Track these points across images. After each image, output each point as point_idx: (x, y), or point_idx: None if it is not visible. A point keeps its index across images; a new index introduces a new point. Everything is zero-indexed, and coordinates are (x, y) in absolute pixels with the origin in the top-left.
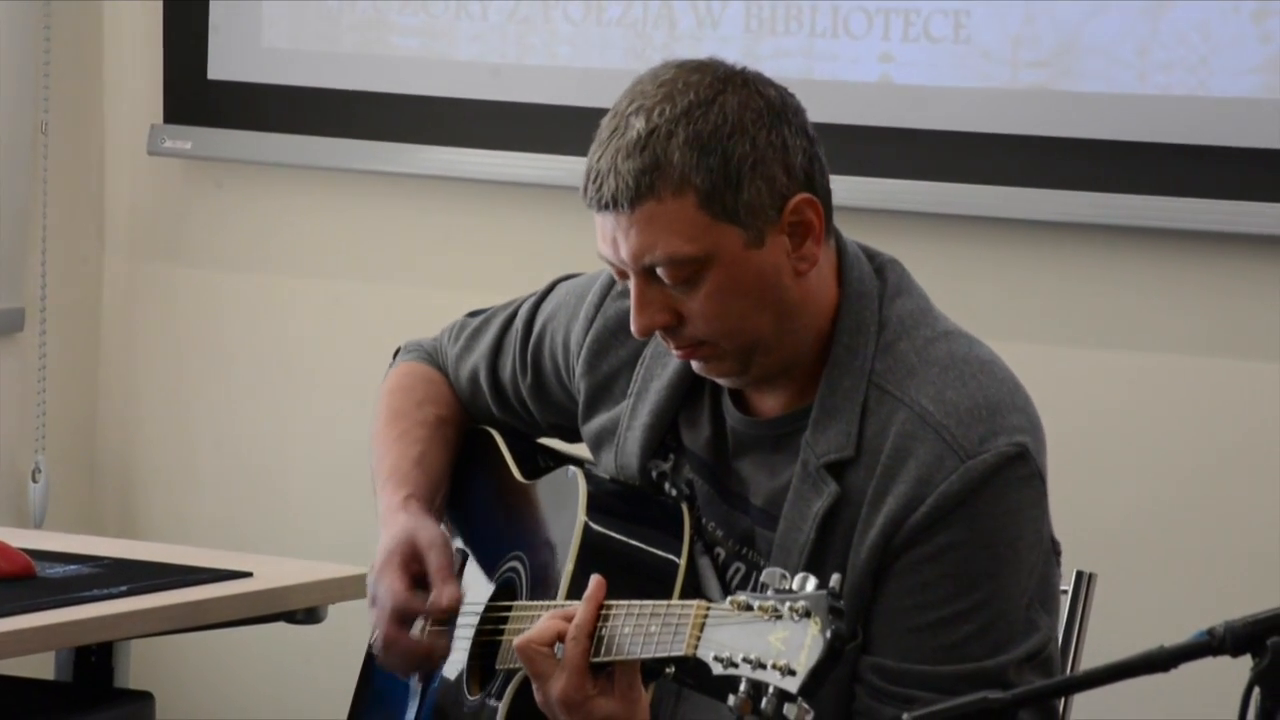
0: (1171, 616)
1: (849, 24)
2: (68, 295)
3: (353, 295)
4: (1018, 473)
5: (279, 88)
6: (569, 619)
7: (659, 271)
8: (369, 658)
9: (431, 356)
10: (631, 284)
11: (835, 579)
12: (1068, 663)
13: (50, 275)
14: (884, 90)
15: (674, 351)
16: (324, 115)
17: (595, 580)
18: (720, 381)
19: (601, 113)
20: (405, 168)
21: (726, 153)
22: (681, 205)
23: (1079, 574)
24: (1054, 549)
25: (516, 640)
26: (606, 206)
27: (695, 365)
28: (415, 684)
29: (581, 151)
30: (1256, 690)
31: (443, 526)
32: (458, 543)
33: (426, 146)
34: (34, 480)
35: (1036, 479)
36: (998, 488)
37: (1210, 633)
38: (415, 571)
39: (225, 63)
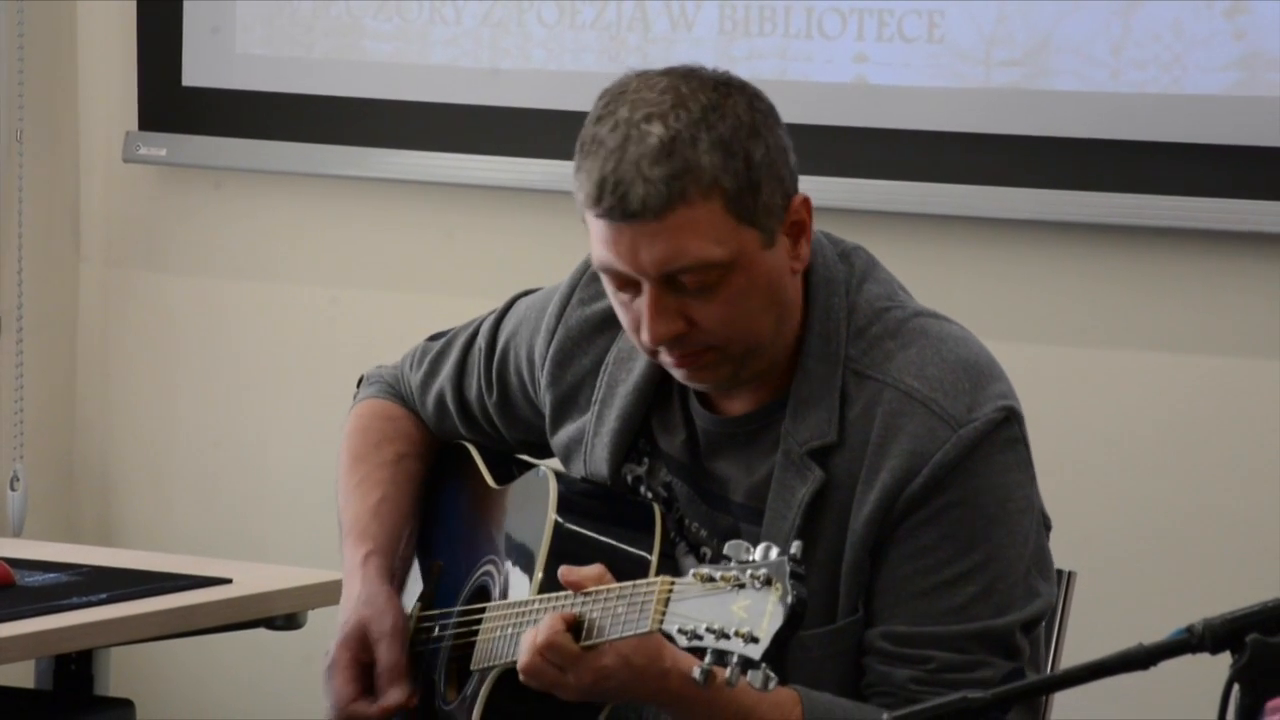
0: (1151, 614)
1: (823, 25)
2: (44, 303)
3: (329, 301)
4: (1002, 435)
5: (254, 94)
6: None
7: (682, 278)
8: None
9: (393, 387)
10: (646, 295)
11: (796, 545)
12: (1048, 661)
13: (26, 283)
14: (859, 91)
15: (671, 360)
16: (299, 121)
17: (562, 577)
18: (703, 387)
19: (578, 116)
20: (380, 172)
21: (748, 154)
22: (710, 209)
23: (1059, 572)
24: (1045, 521)
25: (520, 665)
26: (632, 215)
27: (684, 373)
28: None
29: (558, 155)
30: (1236, 687)
31: (414, 565)
32: (432, 558)
33: (401, 151)
34: (12, 488)
35: (1020, 444)
36: (985, 451)
37: (1189, 630)
38: (366, 662)
39: (200, 69)
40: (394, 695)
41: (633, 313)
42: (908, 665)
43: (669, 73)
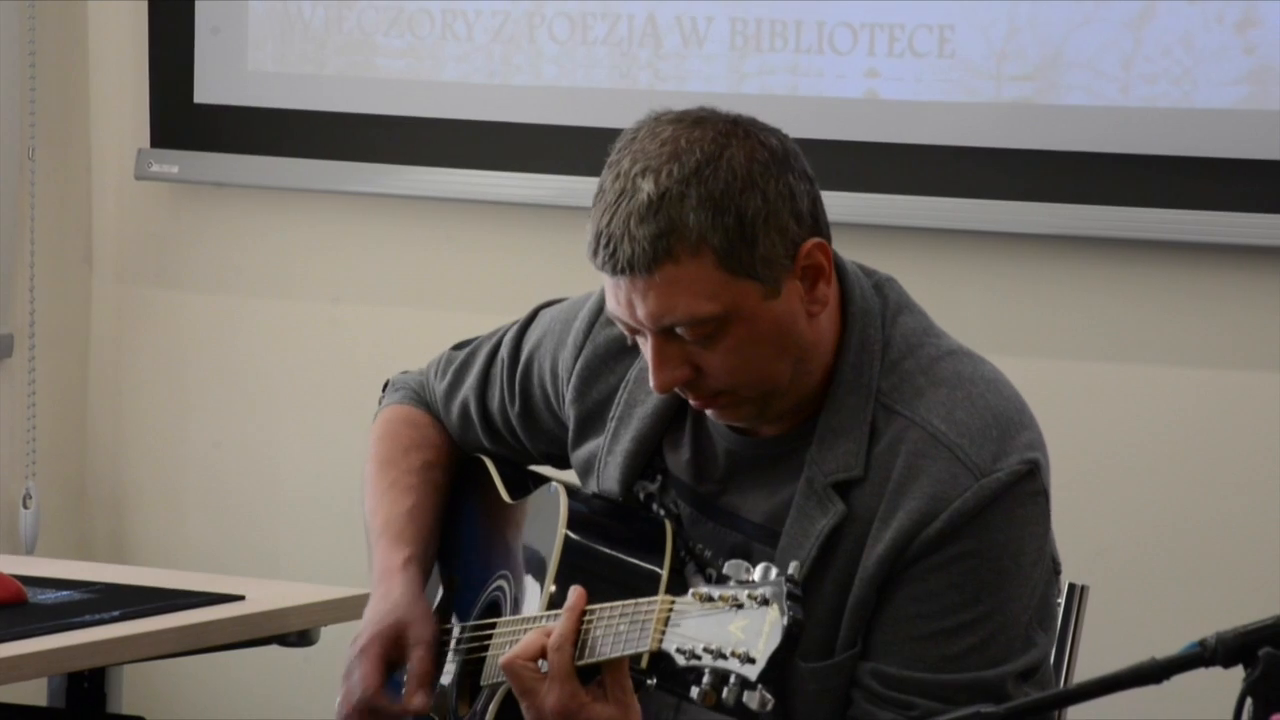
0: (1163, 628)
1: (834, 40)
2: (56, 321)
3: (342, 317)
4: (1026, 489)
5: (265, 111)
6: (550, 634)
7: (679, 330)
8: None
9: (418, 394)
10: (649, 343)
11: (794, 566)
12: (1060, 675)
13: (39, 301)
14: (870, 106)
15: (692, 402)
16: (310, 138)
17: (576, 591)
18: (734, 424)
19: (589, 131)
20: (392, 189)
21: (740, 209)
22: (699, 266)
23: (1071, 586)
24: (1055, 568)
25: (501, 659)
26: (622, 271)
27: (711, 412)
28: None
29: (569, 170)
30: (1249, 701)
31: (433, 575)
32: (445, 572)
33: (413, 167)
34: (25, 506)
35: (1042, 497)
36: (1007, 504)
37: (1202, 644)
38: (395, 659)
39: (211, 86)
40: (418, 700)
41: (648, 353)
42: (891, 708)
43: (680, 119)
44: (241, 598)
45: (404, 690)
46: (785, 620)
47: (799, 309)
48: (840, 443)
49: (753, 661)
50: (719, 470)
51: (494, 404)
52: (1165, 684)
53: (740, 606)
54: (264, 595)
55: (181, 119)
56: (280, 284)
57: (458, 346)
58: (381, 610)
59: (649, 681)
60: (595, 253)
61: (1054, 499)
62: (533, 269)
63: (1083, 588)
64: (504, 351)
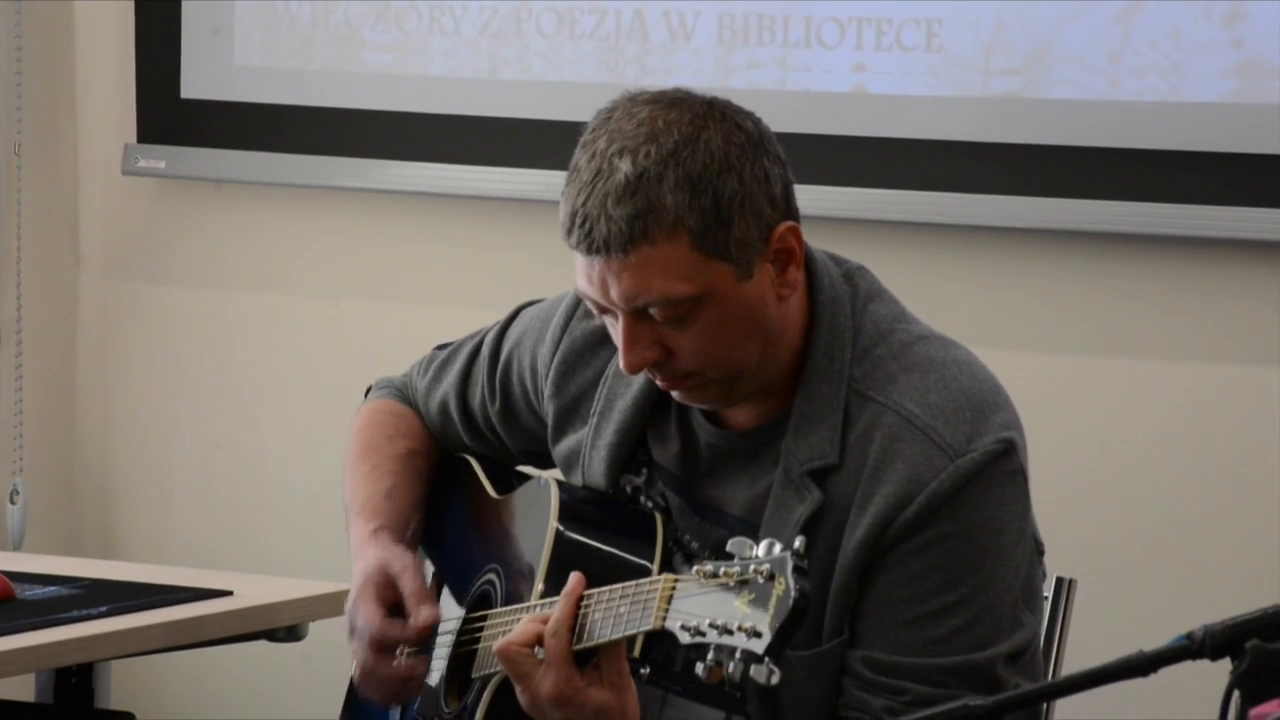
0: (1151, 621)
1: (822, 34)
2: (44, 316)
3: (329, 312)
4: (1002, 468)
5: (252, 105)
6: (547, 621)
7: (651, 311)
8: (352, 687)
9: (401, 392)
10: (620, 323)
11: (800, 540)
12: (1048, 668)
13: (26, 296)
14: (857, 100)
15: (658, 383)
16: (298, 132)
17: (575, 576)
18: (699, 407)
19: (577, 126)
20: (380, 184)
21: (717, 191)
22: (675, 247)
23: (1059, 579)
24: (1038, 548)
25: (497, 645)
26: (597, 251)
27: (677, 394)
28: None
29: (557, 165)
30: (1236, 693)
31: (418, 553)
32: (434, 567)
33: (401, 162)
34: (12, 502)
35: (1019, 476)
36: (983, 483)
37: (1189, 637)
38: (391, 599)
39: (198, 81)
40: (425, 613)
41: (617, 334)
42: (884, 694)
43: (657, 99)
44: (230, 593)
45: (409, 612)
46: (794, 593)
47: (769, 292)
48: (815, 431)
49: (759, 635)
50: (703, 464)
51: (474, 401)
52: (1153, 676)
53: (745, 582)
54: (252, 590)
55: (168, 114)
56: (267, 278)
57: (440, 347)
58: (360, 570)
59: (642, 670)
60: (569, 232)
61: (1042, 492)
62: (519, 264)
63: (1071, 581)
64: (485, 350)
